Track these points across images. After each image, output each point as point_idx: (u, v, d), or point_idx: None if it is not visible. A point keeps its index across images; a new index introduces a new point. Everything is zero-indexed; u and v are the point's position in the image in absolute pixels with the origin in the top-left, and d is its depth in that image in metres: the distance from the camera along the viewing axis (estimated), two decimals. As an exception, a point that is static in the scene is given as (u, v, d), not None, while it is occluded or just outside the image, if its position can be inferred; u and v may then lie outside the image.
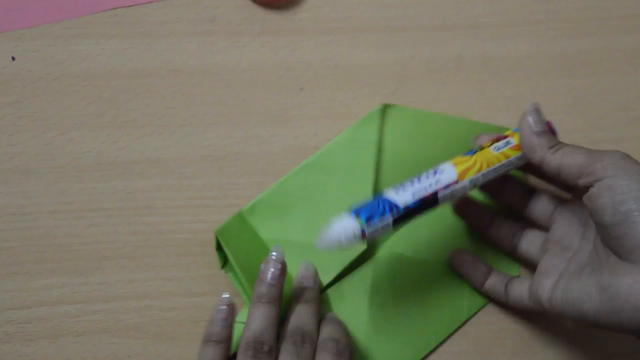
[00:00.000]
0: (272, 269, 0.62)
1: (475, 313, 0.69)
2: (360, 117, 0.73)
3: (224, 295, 0.63)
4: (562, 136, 0.63)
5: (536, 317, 0.69)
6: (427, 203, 0.59)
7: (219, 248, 0.67)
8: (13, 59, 0.71)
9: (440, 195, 0.59)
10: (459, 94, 0.74)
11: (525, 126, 0.61)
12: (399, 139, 0.72)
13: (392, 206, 0.58)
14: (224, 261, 0.67)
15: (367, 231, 0.57)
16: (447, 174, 0.59)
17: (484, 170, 0.60)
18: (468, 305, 0.70)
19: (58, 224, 0.68)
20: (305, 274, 0.66)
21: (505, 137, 0.62)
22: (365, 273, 0.69)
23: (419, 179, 0.59)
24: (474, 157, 0.60)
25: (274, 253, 0.63)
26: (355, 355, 0.66)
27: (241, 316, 0.65)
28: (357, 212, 0.57)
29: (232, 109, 0.73)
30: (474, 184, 0.60)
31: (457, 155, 0.61)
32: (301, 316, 0.63)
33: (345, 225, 0.57)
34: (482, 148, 0.61)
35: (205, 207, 0.70)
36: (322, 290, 0.68)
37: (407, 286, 0.69)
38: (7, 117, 0.70)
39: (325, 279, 0.68)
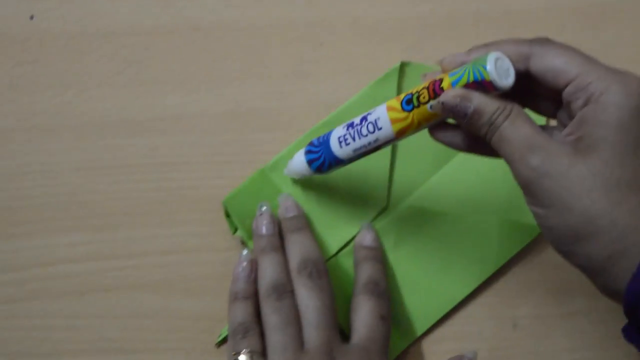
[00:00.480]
0: (265, 221, 0.63)
1: (504, 265, 0.68)
2: (379, 72, 0.70)
3: (243, 252, 0.62)
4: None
5: (565, 267, 0.67)
6: (369, 153, 0.59)
7: (229, 215, 0.65)
8: (32, 17, 0.69)
9: (380, 145, 0.58)
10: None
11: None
12: None
13: (338, 161, 0.60)
14: (235, 228, 0.66)
15: (315, 173, 0.62)
16: (385, 132, 0.56)
17: (421, 128, 0.56)
18: (496, 256, 0.68)
19: (81, 182, 0.66)
20: (286, 205, 0.65)
21: (441, 87, 0.53)
22: (388, 228, 0.68)
23: (360, 132, 0.58)
24: (411, 114, 0.55)
25: (262, 207, 0.64)
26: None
27: None
28: (308, 160, 0.62)
29: (252, 65, 0.71)
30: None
31: (394, 100, 0.56)
32: (302, 246, 0.62)
33: (301, 166, 0.63)
34: (419, 102, 0.54)
35: (227, 163, 0.68)
36: (344, 245, 0.67)
37: (431, 240, 0.67)
38: (27, 76, 0.68)
39: (348, 235, 0.67)
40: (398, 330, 0.65)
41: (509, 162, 0.50)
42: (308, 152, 0.62)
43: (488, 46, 0.53)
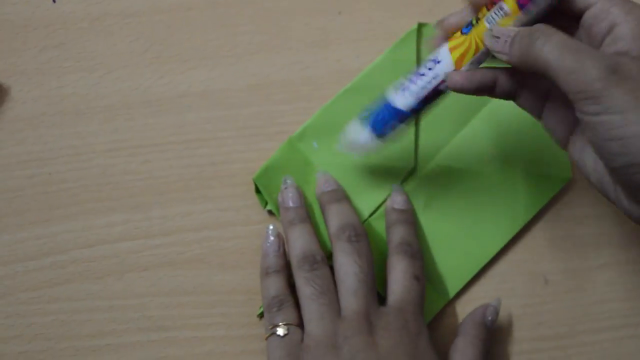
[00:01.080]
0: (290, 194, 0.59)
1: (530, 221, 0.64)
2: (399, 36, 0.66)
3: (270, 227, 0.59)
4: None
5: (590, 221, 0.63)
6: (432, 98, 0.53)
7: (259, 190, 0.62)
8: (54, 1, 0.65)
9: (442, 87, 0.52)
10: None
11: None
12: None
13: (398, 112, 0.53)
14: (265, 202, 0.62)
15: (380, 137, 0.55)
16: (444, 65, 0.51)
17: (481, 50, 0.50)
18: (524, 210, 0.64)
19: (113, 162, 0.62)
20: (325, 180, 0.61)
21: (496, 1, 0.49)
22: (417, 189, 0.63)
23: (419, 74, 0.52)
24: (469, 36, 0.50)
25: (287, 180, 0.61)
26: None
27: None
28: (369, 124, 0.55)
29: (273, 36, 0.66)
30: (477, 65, 0.52)
31: (457, 33, 0.52)
32: (341, 213, 0.58)
33: (360, 135, 0.55)
34: (477, 20, 0.50)
35: (255, 135, 0.63)
36: (375, 210, 0.63)
37: (460, 198, 0.63)
38: (53, 60, 0.63)
39: (379, 198, 0.63)
40: (434, 290, 0.61)
41: (567, 72, 0.43)
42: (365, 118, 0.56)
43: None
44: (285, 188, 0.60)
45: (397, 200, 0.62)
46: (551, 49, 0.44)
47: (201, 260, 0.61)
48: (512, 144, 0.65)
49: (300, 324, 0.55)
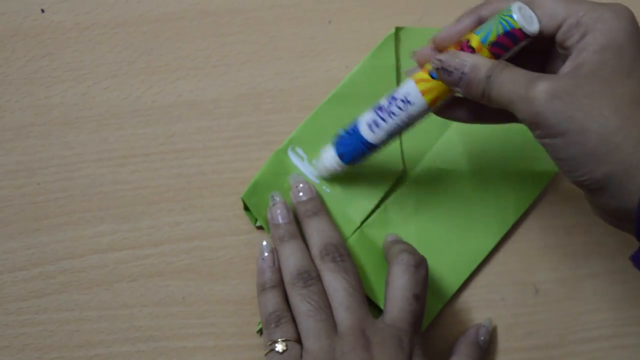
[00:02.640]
0: (279, 210, 0.60)
1: (523, 227, 0.66)
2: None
3: (263, 243, 0.60)
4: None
5: (580, 230, 0.64)
6: (400, 132, 0.57)
7: (247, 208, 0.63)
8: (42, 11, 0.66)
9: (412, 123, 0.56)
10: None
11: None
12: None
13: (369, 145, 0.57)
14: (255, 218, 0.63)
15: (348, 165, 0.60)
16: (418, 105, 0.54)
17: (452, 94, 0.53)
18: (514, 206, 0.66)
19: (102, 172, 0.63)
20: (299, 187, 0.62)
21: (470, 47, 0.51)
22: (408, 192, 0.65)
23: (390, 112, 0.55)
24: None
25: (274, 197, 0.61)
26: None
27: None
28: (339, 153, 0.59)
29: (262, 46, 0.67)
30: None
31: (421, 72, 0.54)
32: (321, 232, 0.59)
33: (332, 161, 0.60)
34: None
35: (245, 145, 0.65)
36: (367, 216, 0.64)
37: (450, 199, 0.65)
38: (42, 70, 0.65)
39: (370, 205, 0.64)
40: (431, 294, 0.62)
41: (513, 103, 0.47)
42: (338, 146, 0.59)
43: (477, 9, 0.52)
44: (274, 205, 0.61)
45: (391, 236, 0.63)
46: (503, 87, 0.48)
47: (190, 271, 0.62)
48: (497, 142, 0.67)
49: (299, 340, 0.56)
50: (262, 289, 0.58)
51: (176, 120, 0.65)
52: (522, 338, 0.64)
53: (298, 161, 0.64)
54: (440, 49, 0.53)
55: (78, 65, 0.65)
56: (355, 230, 0.63)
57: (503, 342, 0.64)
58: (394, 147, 0.65)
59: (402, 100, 0.54)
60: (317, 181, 0.64)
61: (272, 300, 0.58)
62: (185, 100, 0.65)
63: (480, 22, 0.52)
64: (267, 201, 0.62)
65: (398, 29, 0.67)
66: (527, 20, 0.48)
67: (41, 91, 0.64)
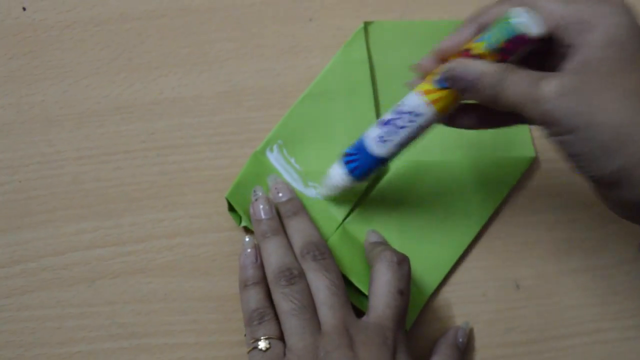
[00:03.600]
0: (262, 205, 0.61)
1: (504, 224, 0.67)
2: (369, 43, 0.69)
3: (246, 239, 0.61)
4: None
5: (561, 226, 0.66)
6: (409, 143, 0.58)
7: (232, 209, 0.63)
8: (24, 9, 0.67)
9: (420, 133, 0.57)
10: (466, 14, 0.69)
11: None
12: (386, 52, 0.70)
13: (379, 160, 0.58)
14: (240, 219, 0.64)
15: (357, 181, 0.60)
16: (427, 115, 0.55)
17: (459, 100, 0.55)
18: (494, 193, 0.67)
19: (84, 170, 0.64)
20: (278, 188, 0.63)
21: (473, 53, 0.52)
22: (387, 187, 0.66)
23: (397, 125, 0.56)
24: (450, 90, 0.54)
25: (257, 192, 0.62)
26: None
27: None
28: (350, 169, 0.59)
29: (243, 44, 0.69)
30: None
31: (424, 83, 0.55)
32: (302, 231, 0.60)
33: (340, 178, 0.60)
34: None
35: (226, 142, 0.66)
36: (348, 213, 0.65)
37: (430, 190, 0.67)
38: (23, 68, 0.66)
39: (351, 201, 0.65)
40: (414, 286, 0.64)
41: (523, 104, 0.48)
42: (347, 162, 0.60)
43: (476, 17, 0.53)
44: (256, 200, 0.62)
45: (372, 237, 0.64)
46: (511, 89, 0.49)
47: (173, 267, 0.63)
48: (472, 131, 0.68)
49: (281, 337, 0.57)
50: (244, 285, 0.59)
51: (158, 117, 0.66)
52: (503, 333, 0.65)
53: (276, 161, 0.65)
54: (442, 59, 0.54)
55: (59, 63, 0.66)
56: (338, 228, 0.64)
57: (484, 338, 0.65)
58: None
59: (410, 113, 0.55)
60: (297, 185, 0.65)
61: (255, 297, 0.58)
62: (167, 97, 0.66)
63: (480, 30, 0.53)
64: (249, 198, 0.63)
65: (367, 24, 0.69)
66: (529, 24, 0.49)
67: (23, 89, 0.65)
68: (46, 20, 0.67)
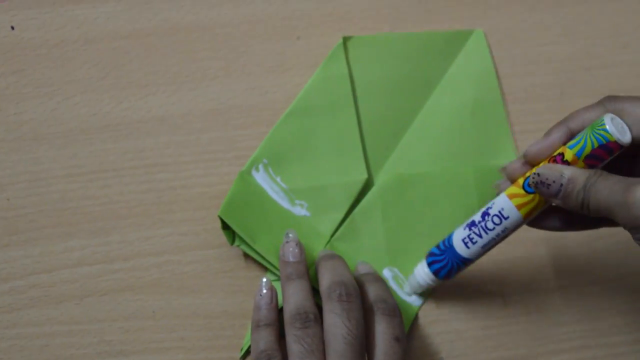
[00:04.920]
0: (291, 248, 0.61)
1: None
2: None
3: (264, 280, 0.62)
4: (553, 66, 0.67)
5: (549, 243, 0.68)
6: (495, 244, 0.60)
7: (225, 227, 0.64)
8: (12, 28, 0.68)
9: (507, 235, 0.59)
10: (451, 27, 0.71)
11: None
12: (366, 66, 0.71)
13: (466, 261, 0.60)
14: (232, 238, 0.64)
15: (442, 281, 0.63)
16: (513, 219, 0.57)
17: (545, 205, 0.57)
18: (479, 202, 0.68)
19: (72, 188, 0.65)
20: (290, 251, 0.63)
21: (565, 161, 0.54)
22: (373, 201, 0.67)
23: (485, 227, 0.58)
24: (536, 195, 0.56)
25: (289, 234, 0.62)
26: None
27: (268, 277, 0.64)
28: (435, 270, 0.62)
29: (232, 62, 0.70)
30: None
31: (514, 187, 0.57)
32: (333, 269, 0.61)
33: (426, 277, 0.63)
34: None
35: (215, 160, 0.67)
36: (337, 228, 0.66)
37: (416, 202, 0.68)
38: (12, 86, 0.67)
39: (337, 217, 0.67)
40: (403, 302, 0.66)
41: (612, 210, 0.50)
42: (432, 263, 0.62)
43: (565, 122, 0.55)
44: (287, 242, 0.62)
45: (362, 268, 0.65)
46: (600, 195, 0.50)
47: (161, 285, 0.64)
48: (455, 140, 0.70)
49: None
50: (256, 325, 0.60)
51: (146, 135, 0.67)
52: (491, 350, 0.66)
53: (263, 181, 0.66)
54: (532, 163, 0.56)
55: (48, 82, 0.67)
56: (326, 245, 0.66)
57: (472, 355, 0.66)
58: (356, 154, 0.68)
59: (497, 216, 0.57)
60: (284, 203, 0.66)
61: (265, 338, 0.59)
62: (155, 115, 0.68)
63: (569, 134, 0.54)
64: (244, 214, 0.64)
65: (346, 39, 0.71)
66: (619, 131, 0.51)
67: (11, 107, 0.66)
68: (34, 39, 0.68)
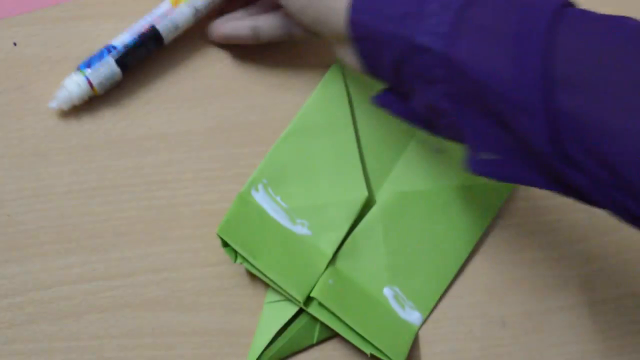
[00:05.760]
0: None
1: (489, 261, 0.69)
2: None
3: None
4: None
5: (547, 263, 0.68)
6: (150, 38, 0.64)
7: (225, 245, 0.65)
8: (15, 44, 0.68)
9: (160, 27, 0.63)
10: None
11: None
12: (365, 85, 0.70)
13: (110, 48, 0.63)
14: (235, 255, 0.65)
15: (90, 78, 0.64)
16: (163, 6, 0.62)
17: None
18: (480, 219, 0.69)
19: (72, 204, 0.66)
20: None
21: None
22: (375, 220, 0.68)
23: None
24: None
25: None
26: (383, 300, 0.66)
27: (269, 297, 0.65)
28: (80, 66, 0.64)
29: (232, 80, 0.71)
30: (195, 11, 0.63)
31: None
32: None
33: (72, 80, 0.64)
34: None
35: (215, 178, 0.68)
36: (337, 248, 0.67)
37: (417, 221, 0.69)
38: (14, 102, 0.67)
39: (339, 235, 0.67)
40: (404, 321, 0.66)
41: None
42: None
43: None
44: None
45: None
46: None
47: (160, 302, 0.65)
48: (453, 157, 0.71)
49: None
50: None
51: (146, 152, 0.68)
52: (489, 370, 0.67)
53: (263, 201, 0.67)
54: None
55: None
56: (328, 265, 0.66)
57: (471, 375, 0.66)
58: (356, 172, 0.68)
59: None
60: (285, 222, 0.67)
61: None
62: (156, 132, 0.68)
63: None
64: (243, 232, 0.65)
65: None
66: None
67: (12, 123, 0.67)
68: (37, 55, 0.69)
